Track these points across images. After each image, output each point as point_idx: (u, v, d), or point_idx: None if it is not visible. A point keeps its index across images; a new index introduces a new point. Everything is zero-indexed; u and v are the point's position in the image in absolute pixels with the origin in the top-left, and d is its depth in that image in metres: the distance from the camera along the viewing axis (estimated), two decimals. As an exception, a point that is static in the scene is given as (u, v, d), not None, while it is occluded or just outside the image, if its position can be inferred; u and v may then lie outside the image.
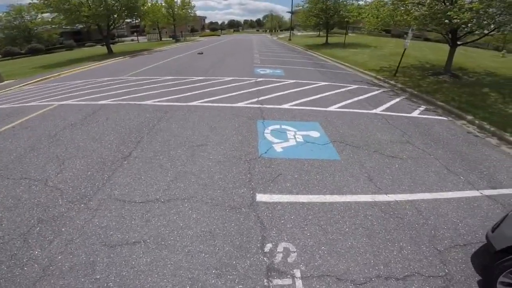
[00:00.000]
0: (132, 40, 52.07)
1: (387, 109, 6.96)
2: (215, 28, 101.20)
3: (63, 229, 2.95)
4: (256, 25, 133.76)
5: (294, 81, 10.05)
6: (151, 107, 7.02)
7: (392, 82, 9.93)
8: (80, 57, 22.54)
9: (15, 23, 33.64)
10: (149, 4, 30.30)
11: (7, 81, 13.42)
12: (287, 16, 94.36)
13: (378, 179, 3.84)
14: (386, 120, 6.19)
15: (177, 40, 42.45)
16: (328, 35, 29.19)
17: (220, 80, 10.01)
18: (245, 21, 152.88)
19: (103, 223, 3.02)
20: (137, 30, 61.21)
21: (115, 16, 23.75)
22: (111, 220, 3.06)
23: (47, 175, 4.01)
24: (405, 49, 10.41)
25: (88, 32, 41.31)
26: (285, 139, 5.03)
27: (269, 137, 5.15)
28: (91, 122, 6.12)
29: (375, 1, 12.27)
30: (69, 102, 7.86)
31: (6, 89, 11.29)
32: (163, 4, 40.97)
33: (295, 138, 5.11)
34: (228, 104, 7.14)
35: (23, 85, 11.92)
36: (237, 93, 8.21)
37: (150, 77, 11.13)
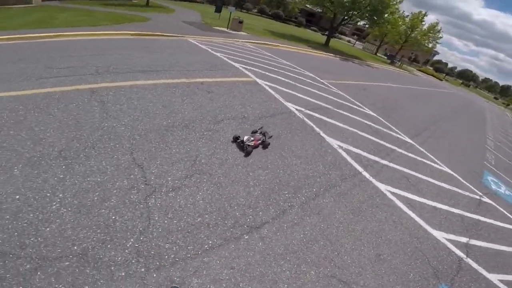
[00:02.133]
0: (349, 41, 51.55)
1: None
2: (440, 70, 78.05)
3: None
4: (499, 92, 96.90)
5: None
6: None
7: None
8: (300, 37, 23.43)
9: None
10: (396, 16, 27.04)
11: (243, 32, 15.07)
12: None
13: None
14: None
15: (392, 62, 37.52)
16: None
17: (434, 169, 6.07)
18: (485, 80, 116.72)
19: None
20: (358, 33, 60.11)
21: (355, 12, 22.46)
22: None
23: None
24: None
25: (320, 17, 43.85)
26: None
27: None
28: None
29: None
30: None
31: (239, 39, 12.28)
32: (407, 21, 36.27)
33: None
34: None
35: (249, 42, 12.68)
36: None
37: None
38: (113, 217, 2.40)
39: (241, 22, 15.89)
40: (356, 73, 15.05)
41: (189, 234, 2.48)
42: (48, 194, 2.42)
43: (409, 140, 6.93)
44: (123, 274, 2.01)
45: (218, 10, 20.20)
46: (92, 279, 1.91)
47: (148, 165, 3.10)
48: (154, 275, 2.06)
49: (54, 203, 2.36)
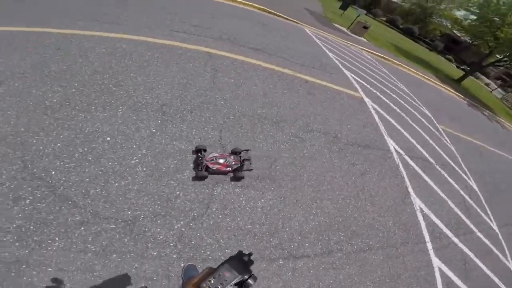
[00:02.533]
0: (488, 85, 41.63)
1: None
2: None
3: None
4: None
5: None
6: None
7: None
8: (428, 62, 20.00)
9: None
10: None
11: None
12: None
13: None
14: None
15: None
16: None
17: None
18: None
19: None
20: (505, 79, 47.95)
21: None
22: None
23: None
24: None
25: (466, 48, 36.43)
26: None
27: None
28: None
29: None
30: None
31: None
32: None
33: None
34: None
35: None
36: None
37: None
38: (178, 193, 2.35)
39: (366, 28, 14.38)
40: (477, 128, 12.00)
41: (233, 238, 2.29)
42: (134, 146, 2.52)
43: (495, 229, 5.09)
44: (155, 254, 1.93)
45: (344, 7, 18.71)
46: (125, 249, 1.88)
47: (230, 150, 2.97)
48: (182, 264, 1.93)
49: (134, 158, 2.44)
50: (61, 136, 2.34)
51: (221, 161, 2.62)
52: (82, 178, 2.15)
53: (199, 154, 2.65)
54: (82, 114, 2.59)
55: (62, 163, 2.17)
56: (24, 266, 1.62)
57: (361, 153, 4.29)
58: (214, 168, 2.57)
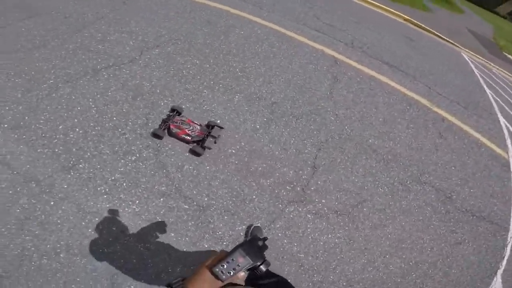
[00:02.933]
0: None
1: None
2: None
3: None
4: None
5: None
6: None
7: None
8: None
9: None
10: None
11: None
12: None
13: None
14: None
15: None
16: None
17: None
18: None
19: None
20: None
21: None
22: None
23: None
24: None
25: None
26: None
27: None
28: None
29: None
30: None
31: None
32: None
33: None
34: None
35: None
36: None
37: None
38: (254, 197, 2.30)
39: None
40: None
41: (280, 259, 2.04)
42: (236, 137, 2.57)
43: None
44: (206, 246, 1.90)
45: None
46: (183, 232, 1.91)
47: (321, 174, 2.68)
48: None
49: (232, 148, 2.47)
50: (183, 106, 2.61)
51: (185, 127, 2.36)
52: (183, 151, 2.34)
53: (170, 114, 2.47)
54: (206, 91, 2.81)
55: (176, 131, 2.42)
56: (97, 218, 1.86)
57: (470, 223, 3.19)
58: (173, 132, 2.34)
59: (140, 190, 2.07)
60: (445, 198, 3.30)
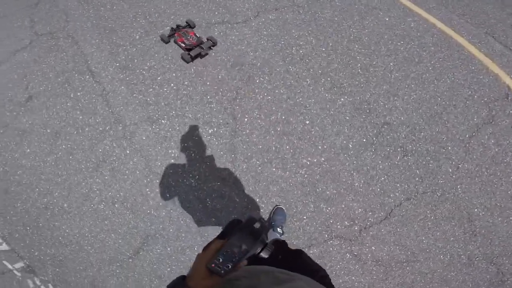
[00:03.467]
0: None
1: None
2: None
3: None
4: None
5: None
6: None
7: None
8: None
9: None
10: None
11: None
12: None
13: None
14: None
15: None
16: None
17: None
18: None
19: None
20: None
21: None
22: None
23: None
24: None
25: None
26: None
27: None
28: None
29: None
30: None
31: None
32: None
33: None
34: None
35: None
36: None
37: None
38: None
39: None
40: None
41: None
42: (319, 148, 2.13)
43: None
44: None
45: None
46: None
47: (391, 224, 2.07)
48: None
49: (308, 159, 2.08)
50: (271, 94, 2.27)
51: (185, 36, 2.47)
52: (258, 143, 2.11)
53: (184, 26, 2.57)
54: (309, 80, 2.35)
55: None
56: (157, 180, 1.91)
57: None
58: (175, 38, 2.50)
59: (203, 167, 2.03)
60: None
